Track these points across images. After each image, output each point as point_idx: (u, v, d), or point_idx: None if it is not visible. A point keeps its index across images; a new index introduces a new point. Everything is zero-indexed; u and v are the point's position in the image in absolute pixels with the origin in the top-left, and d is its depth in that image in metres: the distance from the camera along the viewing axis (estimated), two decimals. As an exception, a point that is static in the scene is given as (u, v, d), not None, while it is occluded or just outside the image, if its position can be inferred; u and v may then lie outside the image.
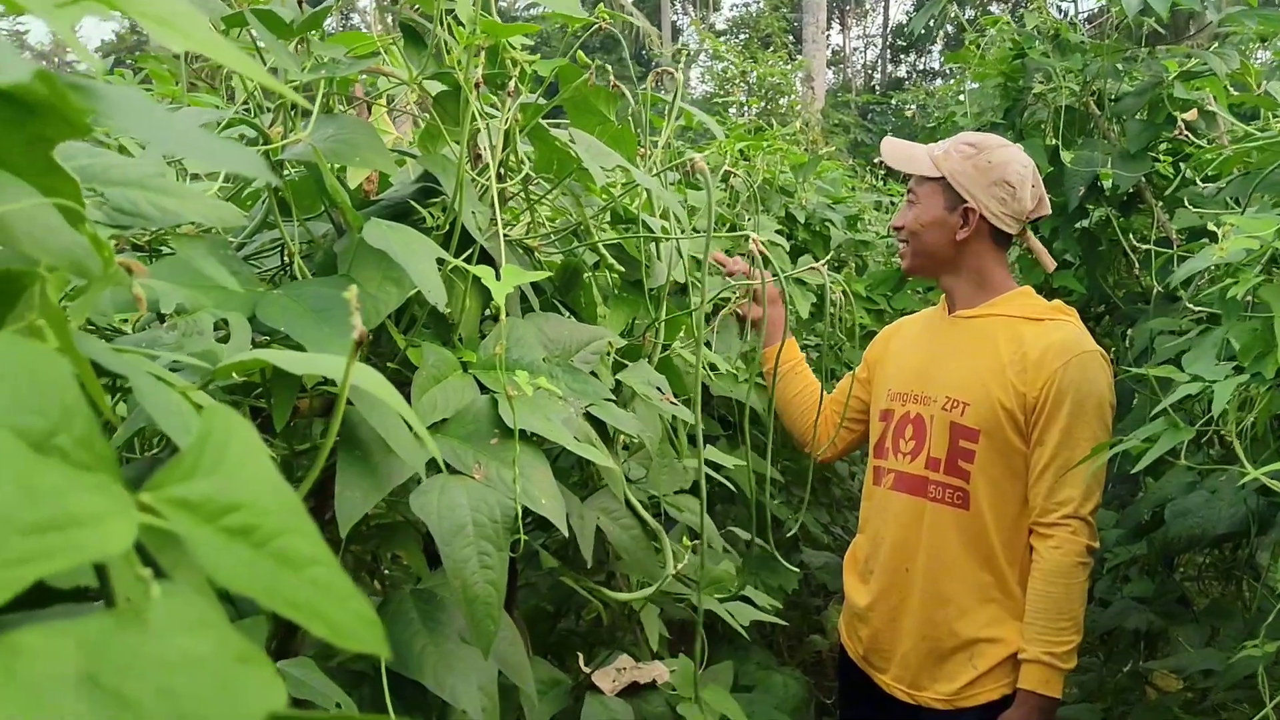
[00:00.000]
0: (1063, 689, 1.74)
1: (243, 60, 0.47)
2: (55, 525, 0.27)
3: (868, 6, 34.17)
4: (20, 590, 0.26)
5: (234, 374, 0.78)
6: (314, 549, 0.40)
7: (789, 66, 10.22)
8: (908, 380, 1.94)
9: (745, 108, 8.41)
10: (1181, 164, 2.72)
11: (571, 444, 1.07)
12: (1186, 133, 1.83)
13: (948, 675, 1.84)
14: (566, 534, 1.08)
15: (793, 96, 9.86)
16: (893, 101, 15.04)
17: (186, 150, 0.40)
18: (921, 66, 32.26)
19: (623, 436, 1.56)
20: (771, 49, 13.05)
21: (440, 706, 1.12)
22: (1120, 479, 2.95)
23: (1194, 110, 1.89)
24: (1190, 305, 1.60)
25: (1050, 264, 2.01)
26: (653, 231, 1.47)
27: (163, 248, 1.13)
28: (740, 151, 3.01)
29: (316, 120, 0.98)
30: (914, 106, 12.77)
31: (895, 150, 1.98)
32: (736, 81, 9.54)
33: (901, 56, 33.12)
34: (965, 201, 1.86)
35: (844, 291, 2.67)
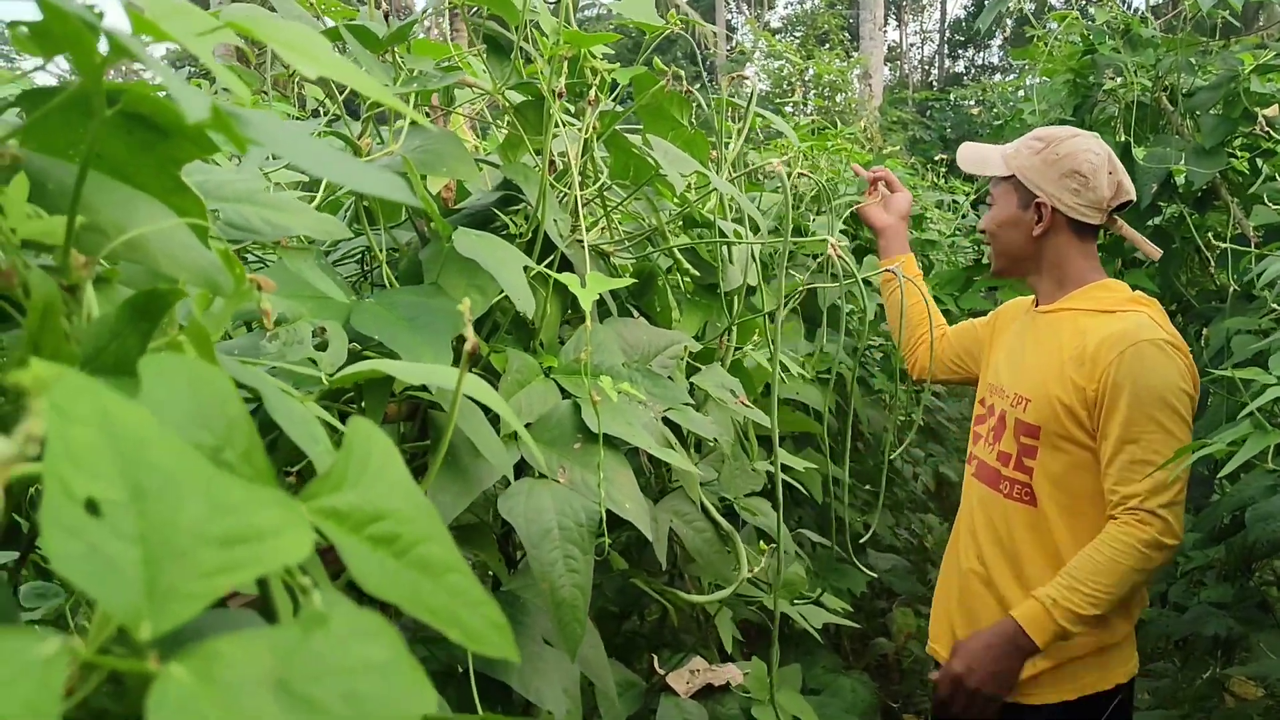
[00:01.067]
0: (1046, 641, 1.67)
1: (368, 83, 0.49)
2: (242, 538, 0.29)
3: (925, 2, 33.77)
4: (215, 600, 0.28)
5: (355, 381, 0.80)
6: (450, 556, 0.41)
7: (846, 64, 10.15)
8: (996, 373, 1.95)
9: (802, 106, 8.37)
10: (1259, 160, 2.66)
11: (655, 448, 1.08)
12: (1267, 128, 1.79)
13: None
14: (650, 537, 1.09)
15: (850, 94, 9.80)
16: (951, 98, 14.85)
17: (332, 173, 0.41)
18: (980, 62, 31.82)
19: (695, 439, 1.57)
20: (828, 46, 12.97)
21: (524, 706, 1.14)
22: (1195, 481, 2.89)
23: (1275, 106, 1.84)
24: (1275, 304, 1.56)
25: (1153, 252, 1.97)
26: (726, 236, 1.48)
27: (248, 255, 1.16)
28: (804, 152, 3.00)
29: (406, 131, 1.00)
30: (974, 102, 12.60)
31: (969, 154, 1.98)
32: (794, 80, 9.50)
33: (960, 52, 32.70)
34: (1036, 197, 1.83)
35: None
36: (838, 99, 9.46)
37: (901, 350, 2.24)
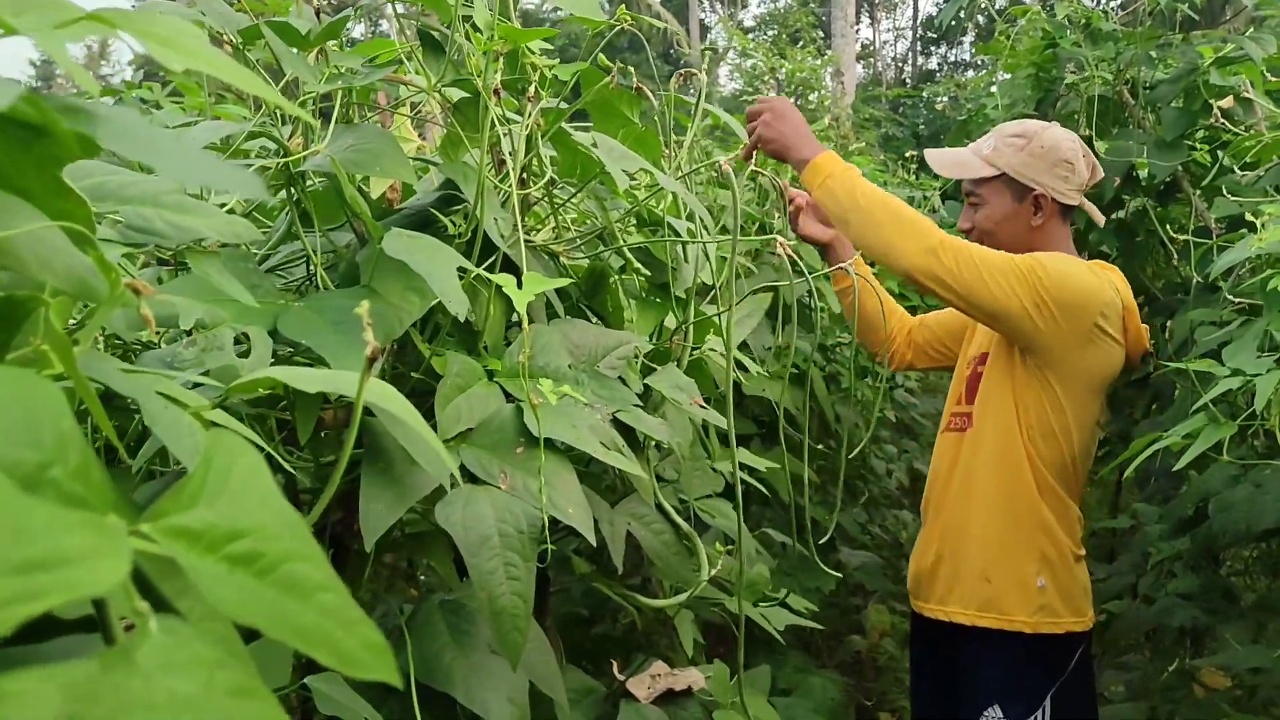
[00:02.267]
0: (808, 167, 1.83)
1: (245, 76, 0.47)
2: (44, 564, 0.26)
3: (897, -1, 33.90)
4: (8, 630, 0.25)
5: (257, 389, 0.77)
6: (321, 575, 0.39)
7: (818, 62, 10.15)
8: (970, 344, 2.08)
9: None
10: (1219, 152, 2.66)
11: (599, 451, 1.06)
12: (1223, 120, 1.79)
13: (966, 598, 1.90)
14: (595, 542, 1.07)
15: (822, 92, 9.80)
16: (923, 94, 14.89)
17: (184, 174, 0.39)
18: (953, 58, 31.95)
19: (655, 440, 1.55)
20: (800, 44, 12.97)
21: (470, 718, 1.11)
22: (1163, 473, 2.90)
23: (1230, 97, 1.85)
24: (1230, 297, 1.56)
25: (1100, 219, 2.06)
26: (679, 234, 1.46)
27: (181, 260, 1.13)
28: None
29: (335, 130, 0.98)
30: (945, 99, 12.65)
31: (942, 159, 2.06)
32: (765, 78, 9.49)
33: (932, 49, 32.83)
34: (1033, 190, 1.92)
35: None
36: (810, 97, 9.46)
37: (872, 350, 2.28)
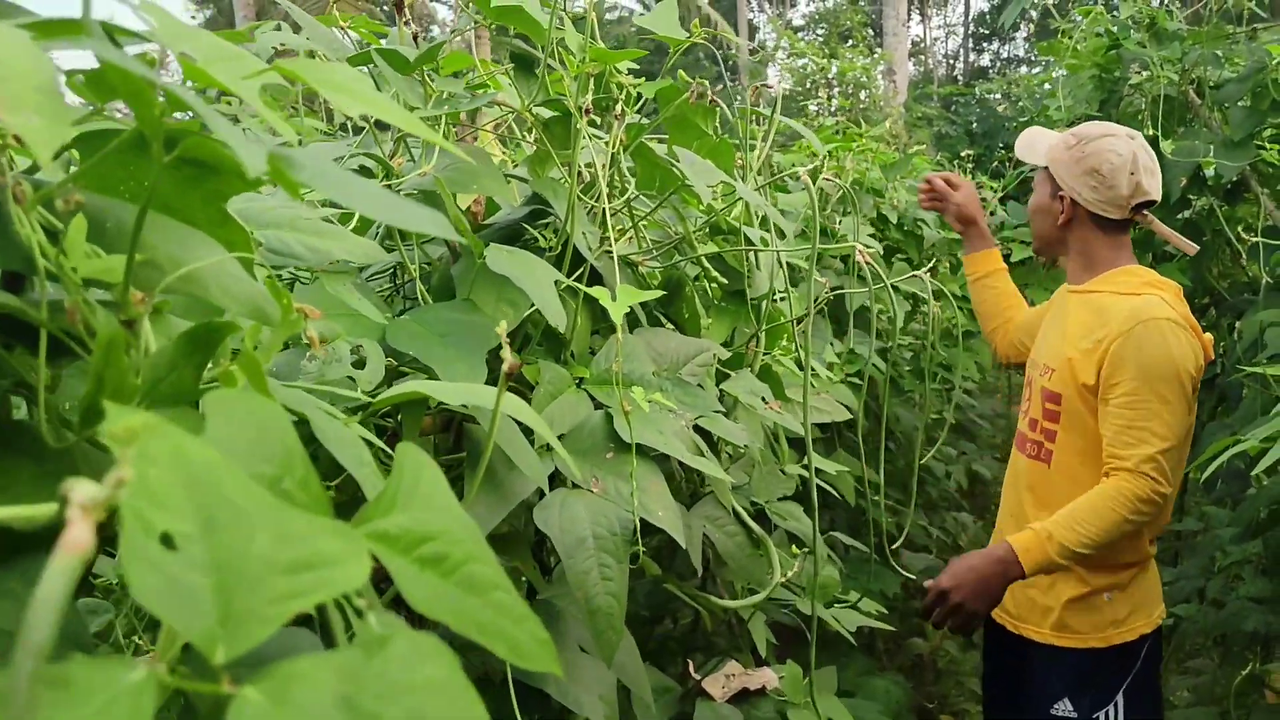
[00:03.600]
0: (1033, 570, 1.77)
1: (404, 117, 0.51)
2: (308, 565, 0.30)
3: (948, -4, 33.54)
4: (283, 624, 0.29)
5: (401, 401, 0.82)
6: (495, 574, 0.43)
7: (870, 60, 10.10)
8: (1036, 348, 2.08)
9: (827, 105, 8.33)
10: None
11: (686, 457, 1.10)
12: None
13: (1041, 611, 1.93)
14: (683, 543, 1.10)
15: (875, 90, 9.75)
16: (976, 92, 14.74)
17: (378, 212, 0.43)
18: (1005, 54, 31.57)
19: (727, 445, 1.58)
20: (851, 43, 12.91)
21: (560, 712, 1.16)
22: (1231, 474, 2.87)
23: (1305, 99, 1.84)
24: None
25: (1188, 248, 2.06)
26: (753, 243, 1.49)
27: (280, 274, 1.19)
28: (829, 152, 3.00)
29: (437, 151, 1.02)
30: (999, 95, 12.50)
31: (1026, 139, 2.10)
32: (817, 78, 9.46)
33: (984, 45, 32.44)
34: (1061, 189, 1.95)
35: (938, 292, 2.65)
36: (862, 96, 9.42)
37: (989, 338, 2.36)
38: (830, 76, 9.40)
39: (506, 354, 0.57)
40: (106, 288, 0.48)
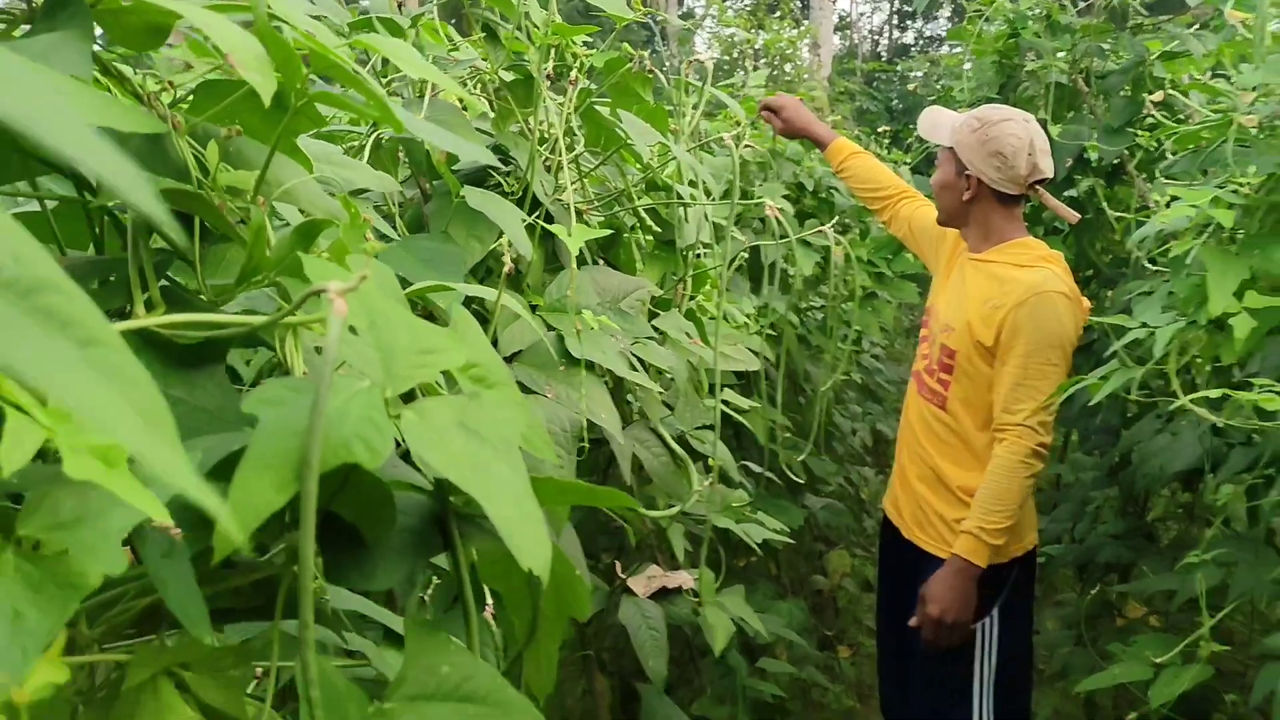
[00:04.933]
0: (987, 560, 2.08)
1: (446, 80, 0.71)
2: (429, 350, 0.51)
3: (874, -28, 33.94)
4: (423, 382, 0.50)
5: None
6: (512, 389, 0.64)
7: (795, 33, 10.33)
8: (936, 300, 2.35)
9: (750, 74, 8.53)
10: (1163, 138, 2.94)
11: (625, 372, 1.32)
12: (1154, 112, 2.05)
13: (938, 535, 2.23)
14: (617, 450, 1.32)
15: (799, 64, 9.99)
16: (898, 70, 15.10)
17: (446, 144, 0.63)
18: (928, 33, 32.11)
19: (657, 379, 1.80)
20: (778, 15, 13.13)
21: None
22: (1102, 430, 3.21)
23: (1160, 92, 2.11)
24: (1148, 266, 1.83)
25: (1070, 216, 2.31)
26: (683, 198, 1.70)
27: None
28: (752, 122, 3.22)
29: (427, 103, 1.21)
30: (918, 75, 12.84)
31: (928, 119, 2.32)
32: (744, 48, 9.65)
33: (908, 23, 32.95)
34: (967, 169, 2.17)
35: (846, 255, 2.90)
36: (787, 69, 9.66)
37: (876, 209, 2.61)
38: (757, 48, 9.61)
39: (507, 260, 0.77)
40: (236, 194, 0.67)
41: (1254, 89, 1.51)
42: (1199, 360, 1.56)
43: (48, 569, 0.37)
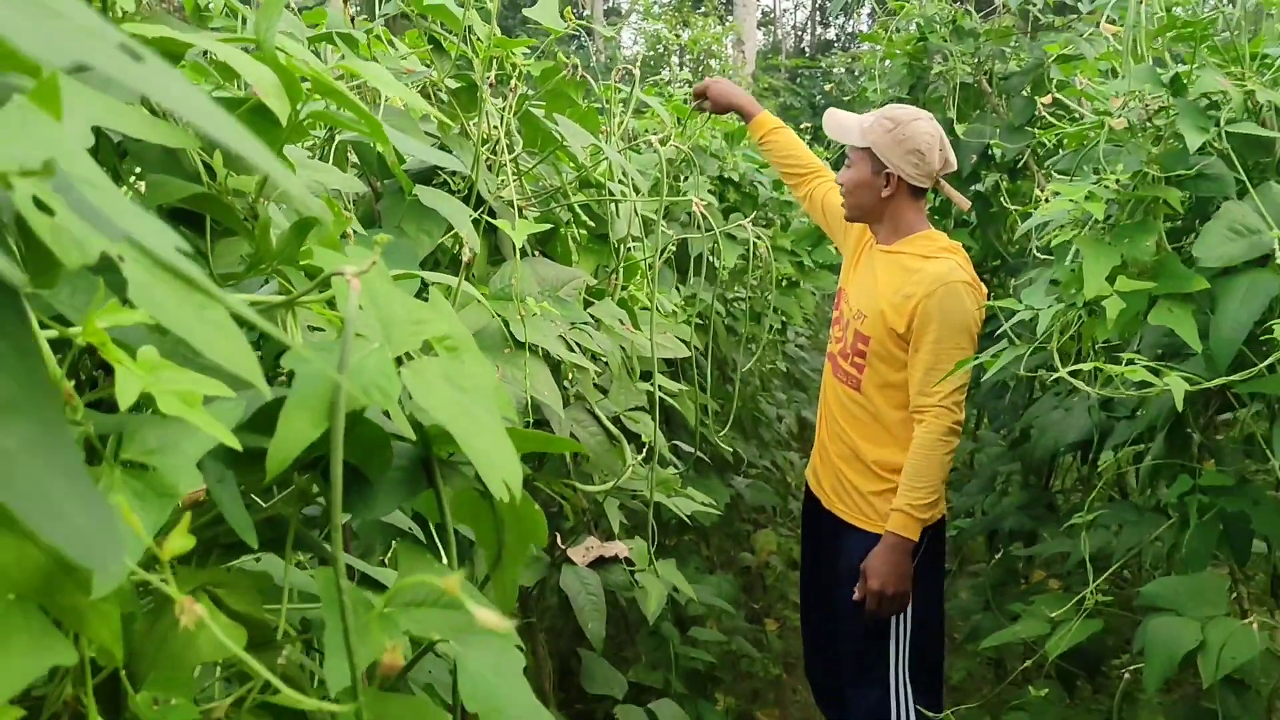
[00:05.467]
0: (918, 533, 2.26)
1: (416, 99, 0.84)
2: (419, 321, 0.64)
3: (797, -32, 34.42)
4: (413, 347, 0.63)
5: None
6: (484, 359, 0.77)
7: (720, 29, 10.52)
8: (847, 286, 2.51)
9: (676, 74, 8.69)
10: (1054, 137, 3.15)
11: (564, 353, 1.45)
12: (1045, 113, 2.24)
13: (855, 507, 2.40)
14: (562, 417, 1.45)
15: (723, 60, 10.19)
16: (821, 66, 15.40)
17: (426, 156, 0.76)
18: (850, 29, 32.64)
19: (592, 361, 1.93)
20: (702, 11, 13.34)
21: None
22: (1010, 410, 3.43)
23: (1049, 95, 2.30)
24: (1037, 254, 2.01)
25: (963, 203, 2.51)
26: (614, 195, 1.84)
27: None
28: (678, 120, 3.37)
29: (382, 108, 1.33)
30: (839, 71, 13.13)
31: (834, 121, 2.46)
32: (669, 44, 9.81)
33: (830, 19, 33.45)
34: (887, 168, 2.32)
35: (768, 246, 3.07)
36: (712, 64, 9.85)
37: (791, 184, 2.77)
38: (681, 43, 9.79)
39: (467, 251, 0.90)
40: (241, 194, 0.79)
41: (1121, 95, 1.69)
42: (1089, 342, 1.74)
43: (147, 481, 0.50)
